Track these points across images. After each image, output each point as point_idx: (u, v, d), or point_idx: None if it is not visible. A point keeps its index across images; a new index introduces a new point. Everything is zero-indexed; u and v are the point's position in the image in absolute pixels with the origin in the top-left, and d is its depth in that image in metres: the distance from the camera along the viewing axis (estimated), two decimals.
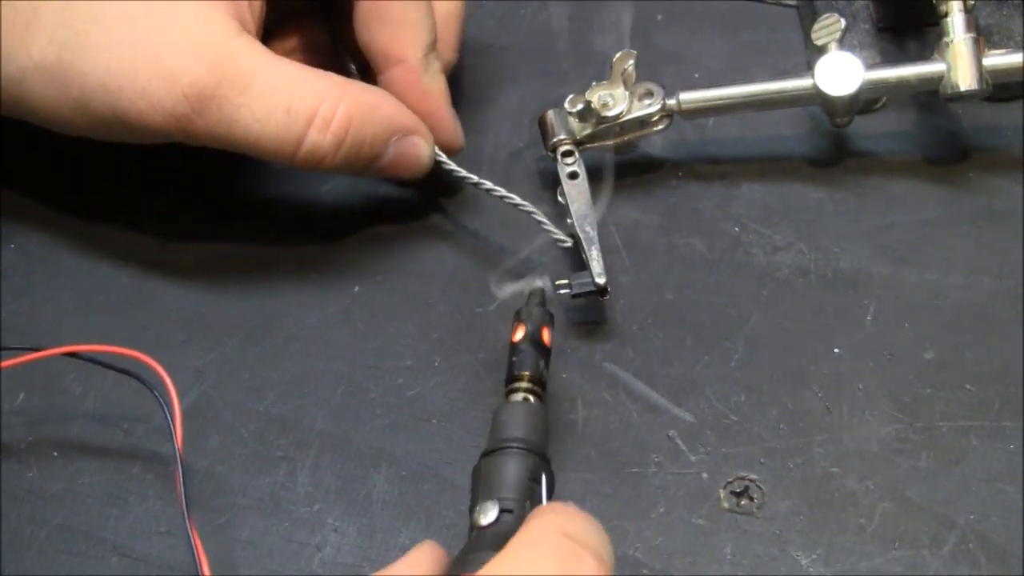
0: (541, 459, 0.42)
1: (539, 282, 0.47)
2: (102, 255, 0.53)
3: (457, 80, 0.57)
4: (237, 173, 0.55)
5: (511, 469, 0.41)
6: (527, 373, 0.44)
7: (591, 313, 0.51)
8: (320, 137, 0.45)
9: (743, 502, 0.46)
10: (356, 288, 0.52)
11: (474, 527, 0.40)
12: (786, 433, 0.48)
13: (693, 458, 0.47)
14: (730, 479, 0.47)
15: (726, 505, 0.46)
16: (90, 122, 0.46)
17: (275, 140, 0.45)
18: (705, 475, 0.47)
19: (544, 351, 0.45)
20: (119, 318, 0.51)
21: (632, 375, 0.49)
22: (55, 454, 0.48)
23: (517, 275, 0.48)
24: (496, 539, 0.39)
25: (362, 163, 0.48)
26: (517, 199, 0.50)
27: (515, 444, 0.42)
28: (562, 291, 0.49)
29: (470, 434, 0.48)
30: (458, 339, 0.50)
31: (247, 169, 0.55)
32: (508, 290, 0.48)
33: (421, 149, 0.49)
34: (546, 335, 0.45)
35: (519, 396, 0.44)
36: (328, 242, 0.53)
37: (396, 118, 0.48)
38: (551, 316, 0.46)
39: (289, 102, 0.44)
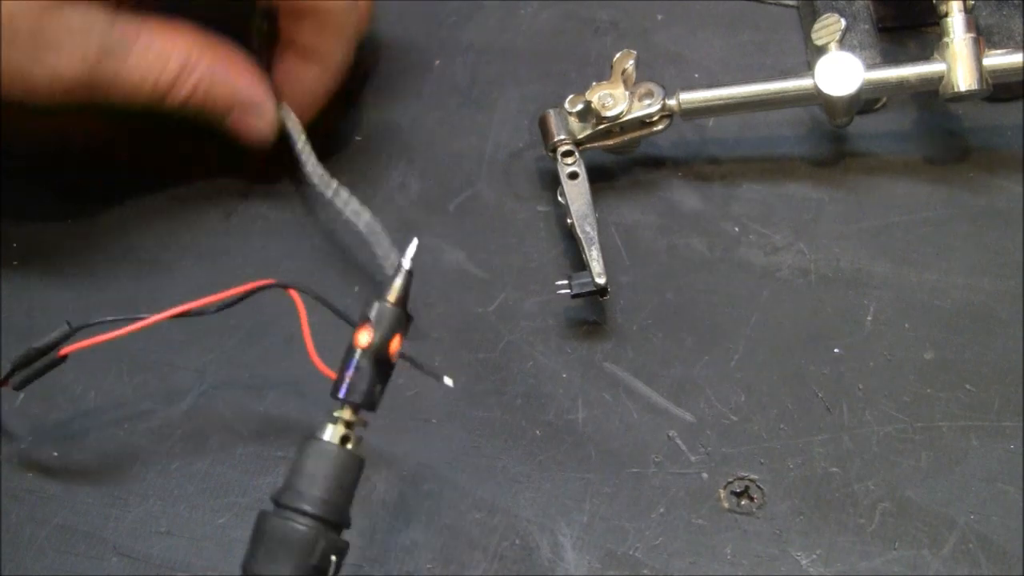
0: (336, 532, 0.36)
1: (405, 261, 0.38)
2: (102, 255, 0.53)
3: (458, 80, 0.57)
4: (238, 173, 0.55)
5: (295, 546, 0.36)
6: (356, 401, 0.37)
7: (591, 313, 0.51)
8: (175, 96, 0.50)
9: (743, 502, 0.46)
10: (356, 288, 0.52)
11: None
12: (786, 433, 0.48)
13: (693, 458, 0.47)
14: (730, 479, 0.47)
15: (726, 505, 0.46)
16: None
17: (141, 100, 0.50)
18: (705, 475, 0.47)
19: (387, 369, 0.37)
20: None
21: (632, 375, 0.49)
22: (55, 454, 0.48)
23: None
24: None
25: (208, 117, 0.51)
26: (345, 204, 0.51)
27: (308, 512, 0.36)
28: (562, 291, 0.49)
29: (470, 434, 0.48)
30: (458, 339, 0.50)
31: (247, 169, 0.55)
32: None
33: (256, 126, 0.52)
34: (394, 345, 0.37)
35: (338, 432, 0.37)
36: (328, 242, 0.53)
37: (239, 89, 0.51)
38: (408, 318, 0.37)
39: (157, 77, 0.49)
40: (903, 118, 0.56)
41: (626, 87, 0.52)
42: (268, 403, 0.49)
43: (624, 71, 0.52)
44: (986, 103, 0.55)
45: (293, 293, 0.43)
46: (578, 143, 0.52)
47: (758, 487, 0.47)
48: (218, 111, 0.52)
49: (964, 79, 0.51)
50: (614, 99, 0.52)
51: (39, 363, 0.45)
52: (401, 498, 0.47)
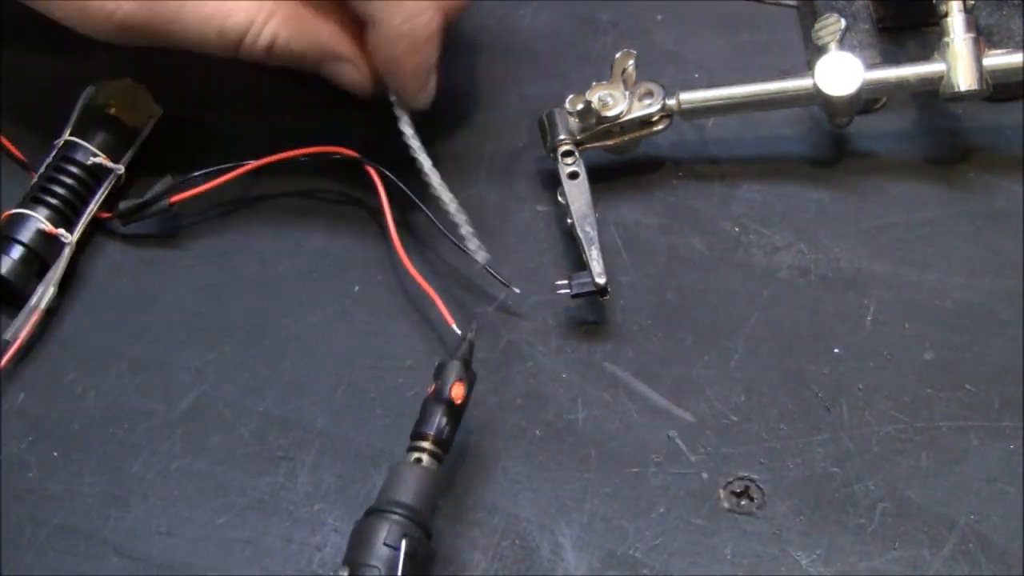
0: (412, 523, 0.42)
1: (470, 334, 0.47)
2: (102, 256, 0.53)
3: (457, 80, 0.57)
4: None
5: (372, 531, 0.42)
6: (429, 433, 0.44)
7: (591, 313, 0.51)
8: (251, 50, 0.49)
9: (743, 502, 0.46)
10: (356, 288, 0.52)
11: None
12: (786, 433, 0.48)
13: (693, 458, 0.47)
14: (730, 479, 0.47)
15: (726, 505, 0.46)
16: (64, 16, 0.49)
17: (212, 50, 0.49)
18: (705, 475, 0.47)
19: (452, 410, 0.45)
20: (120, 318, 0.51)
21: (632, 375, 0.49)
22: (55, 454, 0.48)
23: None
24: None
25: (299, 68, 0.51)
26: (447, 200, 0.50)
27: (386, 506, 0.43)
28: (562, 291, 0.49)
29: (470, 434, 0.48)
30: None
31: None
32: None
33: (350, 78, 0.51)
34: (457, 393, 0.45)
35: (413, 456, 0.44)
36: (328, 242, 0.53)
37: (322, 42, 0.50)
38: (468, 372, 0.46)
39: (221, 26, 0.48)
40: (903, 118, 0.56)
41: (626, 87, 0.52)
42: (268, 403, 0.49)
43: (624, 71, 0.52)
44: (986, 103, 0.55)
45: (370, 169, 0.51)
46: (578, 143, 0.52)
47: (758, 487, 0.47)
48: (307, 63, 0.50)
49: (964, 79, 0.51)
50: (614, 99, 0.52)
51: (150, 209, 0.52)
52: None
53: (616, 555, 0.45)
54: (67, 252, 0.51)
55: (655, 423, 0.48)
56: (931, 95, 0.52)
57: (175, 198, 0.52)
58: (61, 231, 0.51)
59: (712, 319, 0.51)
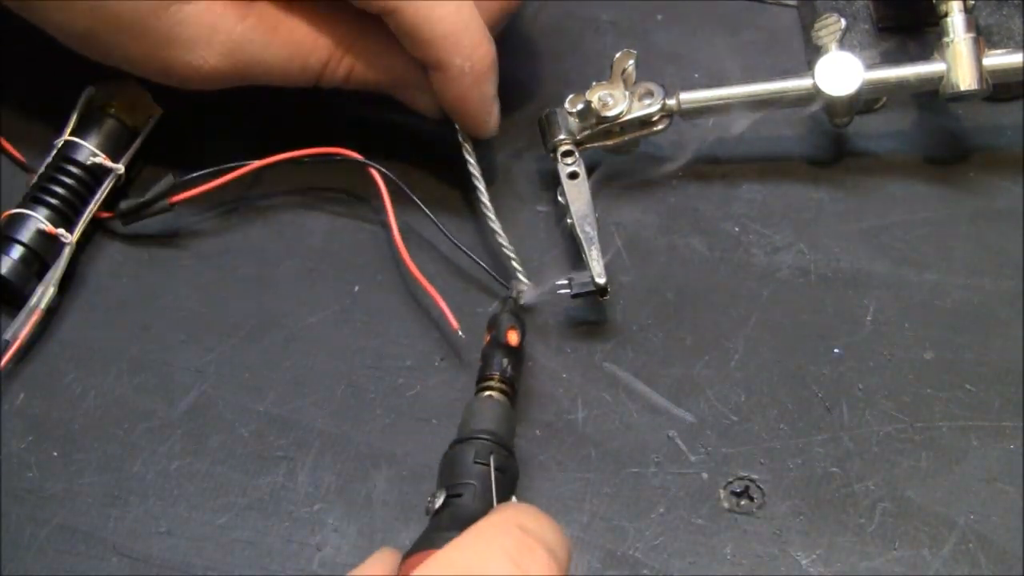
0: (496, 444, 0.44)
1: (514, 291, 0.50)
2: (102, 255, 0.53)
3: None
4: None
5: (460, 456, 0.43)
6: (495, 373, 0.47)
7: (591, 313, 0.51)
8: (331, 79, 0.52)
9: (743, 502, 0.46)
10: (356, 288, 0.52)
11: (428, 514, 0.42)
12: (786, 433, 0.48)
13: (693, 458, 0.47)
14: (730, 479, 0.47)
15: (726, 505, 0.46)
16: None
17: (295, 84, 0.52)
18: (705, 475, 0.47)
19: (511, 352, 0.47)
20: (120, 318, 0.51)
21: (632, 375, 0.49)
22: (55, 454, 0.48)
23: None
24: (451, 520, 0.41)
25: (375, 93, 0.53)
26: (499, 230, 0.51)
27: (469, 434, 0.44)
28: (562, 291, 0.49)
29: None
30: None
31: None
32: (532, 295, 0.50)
33: (421, 104, 0.52)
34: (512, 337, 0.47)
35: (484, 393, 0.46)
36: (328, 242, 0.53)
37: (393, 73, 0.52)
38: (519, 320, 0.48)
39: (303, 63, 0.51)
40: (903, 118, 0.56)
41: (626, 87, 0.52)
42: (268, 403, 0.49)
43: (624, 71, 0.52)
44: (986, 103, 0.55)
45: (373, 172, 0.52)
46: (578, 143, 0.52)
47: (758, 487, 0.47)
48: (382, 89, 0.52)
49: (964, 79, 0.51)
50: (614, 99, 0.52)
51: (151, 209, 0.52)
52: (401, 498, 0.47)
53: (616, 555, 0.45)
54: (67, 252, 0.51)
55: (655, 423, 0.48)
56: (931, 95, 0.52)
57: (175, 198, 0.52)
58: (61, 231, 0.51)
59: (712, 319, 0.51)
